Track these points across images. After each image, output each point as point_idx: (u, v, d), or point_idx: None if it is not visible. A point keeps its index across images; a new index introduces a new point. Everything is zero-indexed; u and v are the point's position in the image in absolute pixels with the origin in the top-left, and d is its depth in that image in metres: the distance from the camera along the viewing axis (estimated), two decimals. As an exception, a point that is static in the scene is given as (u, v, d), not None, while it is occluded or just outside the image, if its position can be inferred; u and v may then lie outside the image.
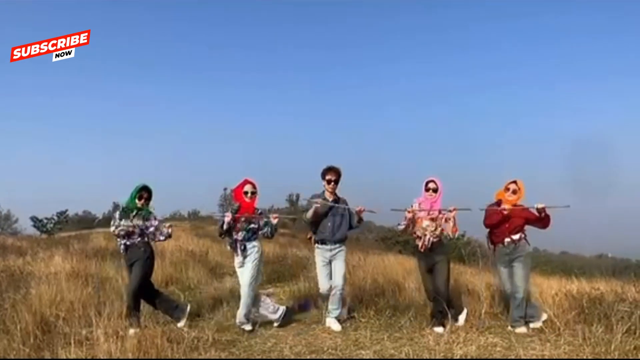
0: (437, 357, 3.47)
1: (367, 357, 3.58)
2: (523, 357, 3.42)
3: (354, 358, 3.61)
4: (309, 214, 4.60)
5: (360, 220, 4.70)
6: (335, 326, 4.50)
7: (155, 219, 4.64)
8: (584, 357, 3.42)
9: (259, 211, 4.60)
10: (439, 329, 4.29)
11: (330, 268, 4.64)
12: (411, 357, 3.51)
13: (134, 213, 4.53)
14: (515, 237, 4.47)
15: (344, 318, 4.71)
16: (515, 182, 4.55)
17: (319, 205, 4.54)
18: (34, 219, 23.43)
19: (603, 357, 3.42)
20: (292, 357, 3.65)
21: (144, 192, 4.58)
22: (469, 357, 3.44)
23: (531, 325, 4.40)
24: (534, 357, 3.46)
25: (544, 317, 4.44)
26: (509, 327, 4.35)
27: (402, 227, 4.53)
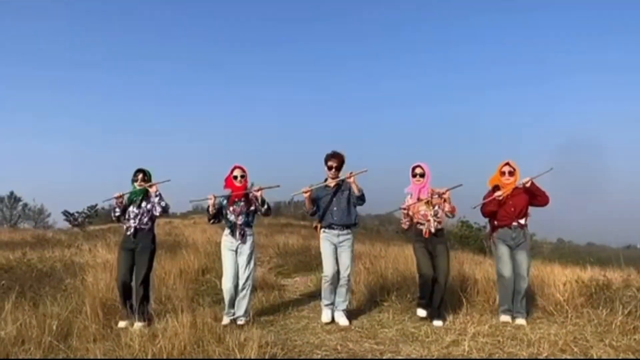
0: (453, 334, 3.90)
1: (390, 334, 4.05)
2: (530, 335, 3.82)
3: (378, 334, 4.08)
4: (306, 205, 4.57)
5: (359, 190, 4.39)
6: (343, 321, 4.41)
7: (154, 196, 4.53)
8: (586, 336, 3.80)
9: (247, 191, 4.55)
10: (423, 312, 4.39)
11: (337, 253, 4.46)
12: (430, 334, 3.96)
13: (141, 198, 4.55)
14: (522, 221, 4.37)
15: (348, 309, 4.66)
16: (508, 163, 4.39)
17: (304, 193, 4.43)
18: (66, 213, 24.54)
19: (604, 336, 3.80)
20: (324, 333, 4.14)
21: (139, 174, 4.55)
22: (480, 334, 3.87)
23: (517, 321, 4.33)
24: (540, 336, 3.86)
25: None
26: (503, 317, 4.33)
27: (406, 226, 4.54)
